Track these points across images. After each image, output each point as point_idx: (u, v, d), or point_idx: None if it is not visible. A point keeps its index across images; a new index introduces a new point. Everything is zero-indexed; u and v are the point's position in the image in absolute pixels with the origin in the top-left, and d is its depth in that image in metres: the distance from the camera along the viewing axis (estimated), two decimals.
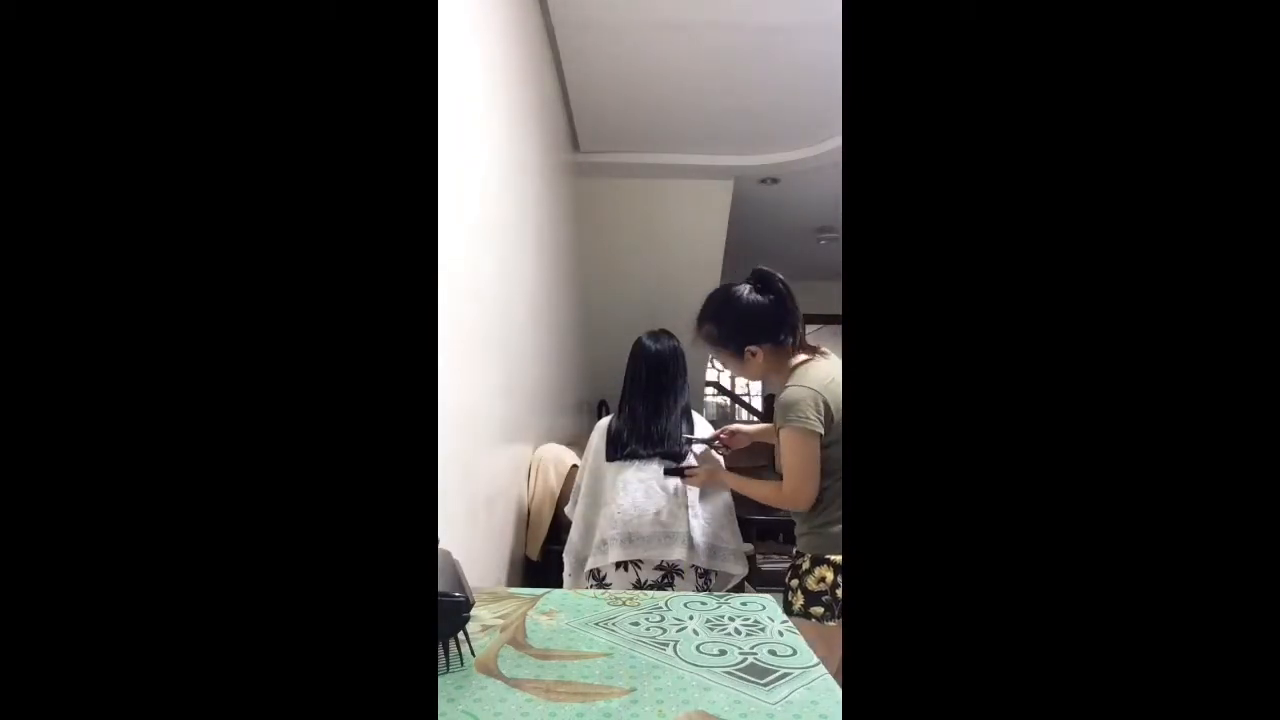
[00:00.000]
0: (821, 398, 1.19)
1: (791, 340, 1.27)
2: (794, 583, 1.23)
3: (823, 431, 1.19)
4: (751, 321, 1.27)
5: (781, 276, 1.28)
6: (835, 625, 1.18)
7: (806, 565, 1.22)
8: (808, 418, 1.18)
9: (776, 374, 1.29)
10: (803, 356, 1.26)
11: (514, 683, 0.62)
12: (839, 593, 1.19)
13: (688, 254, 3.82)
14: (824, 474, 1.22)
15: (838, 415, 1.20)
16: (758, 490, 1.32)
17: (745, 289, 1.28)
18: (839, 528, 1.20)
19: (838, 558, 1.20)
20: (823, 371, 1.23)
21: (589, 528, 1.55)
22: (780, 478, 1.26)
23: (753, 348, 1.28)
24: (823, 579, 1.20)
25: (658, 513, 1.47)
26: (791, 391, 1.22)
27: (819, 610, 1.19)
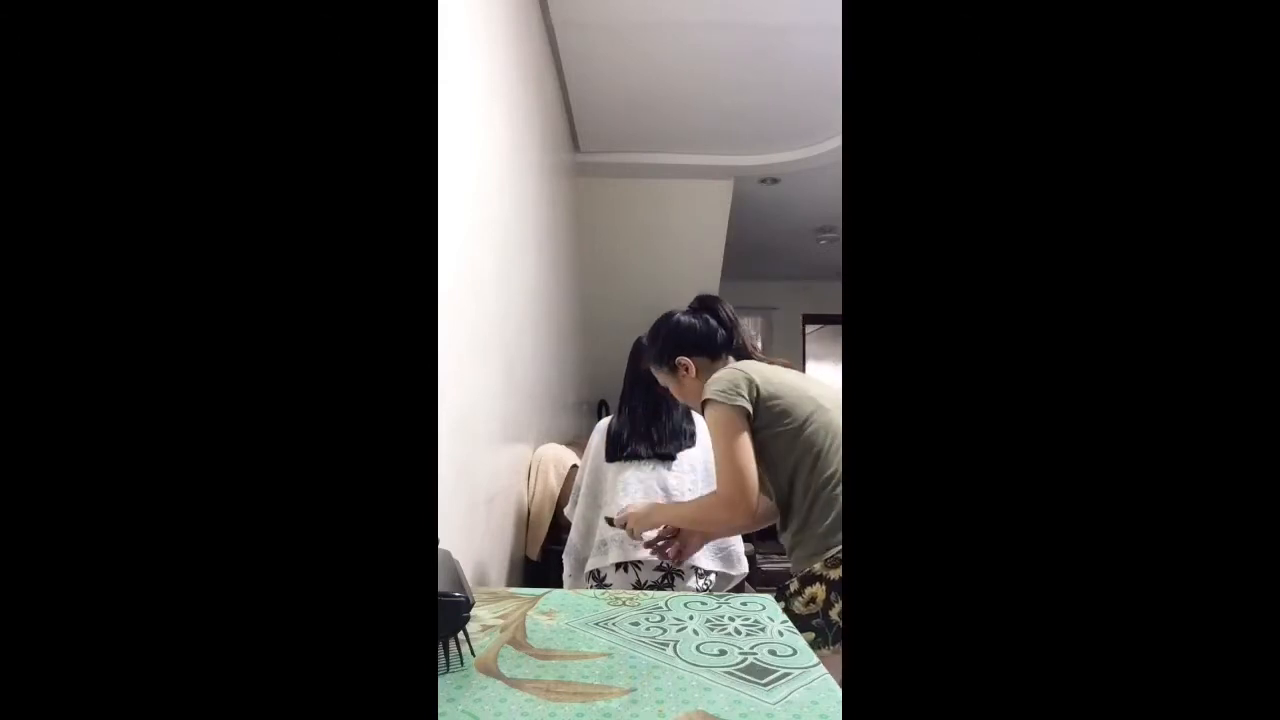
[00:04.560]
0: (747, 376, 1.06)
1: (730, 357, 1.18)
2: (782, 606, 1.09)
3: (749, 408, 1.04)
4: (683, 335, 1.20)
5: (727, 304, 1.22)
6: (829, 653, 1.00)
7: (795, 587, 1.07)
8: (725, 391, 1.05)
9: None
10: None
11: (514, 683, 0.61)
12: (833, 613, 1.01)
13: (688, 254, 3.82)
14: (781, 473, 1.07)
15: (776, 399, 1.06)
16: (690, 513, 1.15)
17: (682, 313, 1.23)
18: (821, 528, 1.06)
19: (828, 570, 1.03)
20: (761, 365, 1.13)
21: (589, 528, 1.55)
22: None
23: (683, 359, 1.19)
24: (813, 599, 1.04)
25: None
26: (716, 374, 1.11)
27: (810, 635, 1.01)
